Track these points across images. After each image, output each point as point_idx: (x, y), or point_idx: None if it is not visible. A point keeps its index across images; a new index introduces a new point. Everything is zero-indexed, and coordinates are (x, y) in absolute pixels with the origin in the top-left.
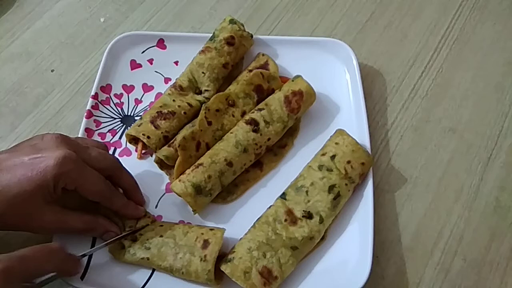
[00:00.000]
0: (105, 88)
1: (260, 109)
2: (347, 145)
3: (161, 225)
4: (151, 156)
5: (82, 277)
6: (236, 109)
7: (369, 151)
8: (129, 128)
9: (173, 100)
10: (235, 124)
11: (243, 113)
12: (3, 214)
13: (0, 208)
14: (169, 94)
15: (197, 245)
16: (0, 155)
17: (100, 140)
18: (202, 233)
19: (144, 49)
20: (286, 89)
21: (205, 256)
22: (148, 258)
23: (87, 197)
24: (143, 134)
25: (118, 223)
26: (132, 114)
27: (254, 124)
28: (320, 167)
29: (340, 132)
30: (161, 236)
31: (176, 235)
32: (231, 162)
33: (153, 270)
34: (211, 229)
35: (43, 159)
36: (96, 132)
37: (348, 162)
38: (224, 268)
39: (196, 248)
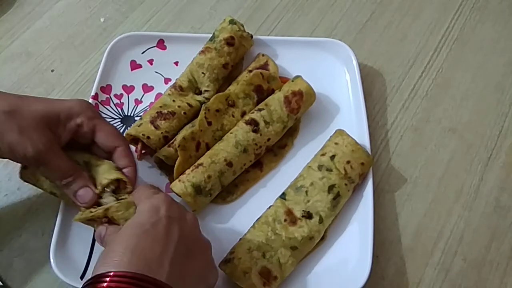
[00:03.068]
0: (105, 89)
1: (260, 109)
2: (346, 145)
3: None
4: (151, 156)
5: (82, 277)
6: (236, 109)
7: (369, 151)
8: (129, 128)
9: (173, 101)
10: (235, 124)
11: (243, 114)
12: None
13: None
14: (169, 94)
15: None
16: None
17: None
18: None
19: (144, 50)
20: (286, 89)
21: None
22: None
23: (106, 135)
24: (143, 134)
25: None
26: (132, 115)
27: (254, 124)
28: (320, 167)
29: (340, 132)
30: None
31: None
32: (231, 162)
33: None
34: None
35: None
36: None
37: (348, 162)
38: (223, 268)
39: None
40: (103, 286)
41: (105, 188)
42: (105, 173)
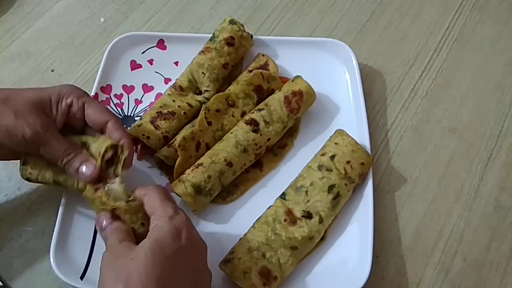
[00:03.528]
0: (105, 89)
1: (260, 110)
2: (346, 145)
3: None
4: (151, 156)
5: (82, 277)
6: (236, 109)
7: (369, 151)
8: (129, 128)
9: (173, 101)
10: (235, 124)
11: (243, 114)
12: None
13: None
14: (169, 94)
15: None
16: None
17: None
18: None
19: (144, 50)
20: (286, 89)
21: None
22: None
23: (95, 111)
24: (143, 134)
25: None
26: (132, 115)
27: (254, 124)
28: (320, 167)
29: (340, 132)
30: None
31: None
32: (231, 162)
33: None
34: None
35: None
36: None
37: (348, 162)
38: (223, 268)
39: None
40: None
41: (104, 155)
42: (101, 144)
